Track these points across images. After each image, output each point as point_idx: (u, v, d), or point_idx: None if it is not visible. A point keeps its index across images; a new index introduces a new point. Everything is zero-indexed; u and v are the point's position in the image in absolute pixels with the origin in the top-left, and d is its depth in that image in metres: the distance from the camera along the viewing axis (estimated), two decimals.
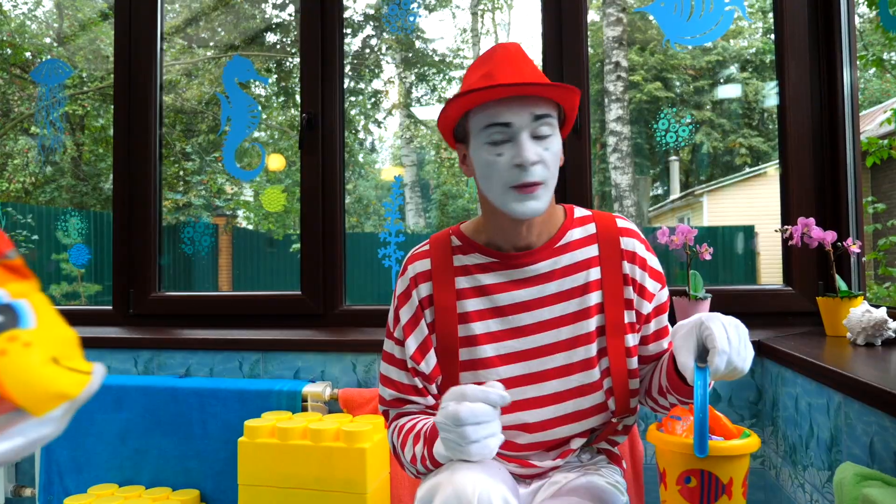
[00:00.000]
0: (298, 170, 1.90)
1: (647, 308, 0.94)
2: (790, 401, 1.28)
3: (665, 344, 0.98)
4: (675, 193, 9.86)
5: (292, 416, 1.49)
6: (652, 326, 0.96)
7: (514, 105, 0.85)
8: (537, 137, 0.86)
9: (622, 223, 0.96)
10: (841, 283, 1.43)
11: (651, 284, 0.95)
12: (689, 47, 1.63)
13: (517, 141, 0.85)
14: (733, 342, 0.75)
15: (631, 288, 0.93)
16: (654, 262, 0.96)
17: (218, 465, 1.58)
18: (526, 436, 0.92)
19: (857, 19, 1.57)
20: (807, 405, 1.19)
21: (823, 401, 1.10)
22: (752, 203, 8.81)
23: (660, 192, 10.20)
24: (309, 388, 1.56)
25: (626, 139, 6.38)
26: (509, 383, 0.90)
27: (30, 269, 0.41)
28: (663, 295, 0.97)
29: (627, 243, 0.95)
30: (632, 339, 0.93)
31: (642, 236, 0.96)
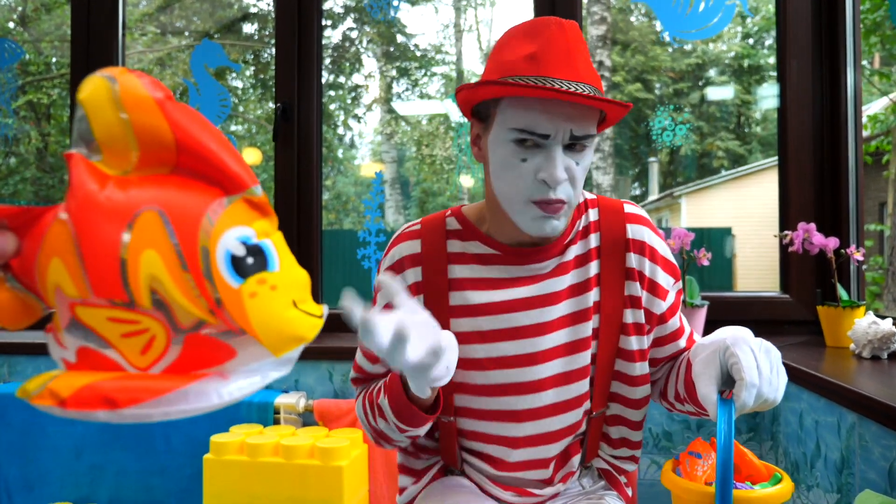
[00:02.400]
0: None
1: (661, 307, 0.83)
2: (793, 416, 1.22)
3: (682, 343, 0.87)
4: (654, 195, 9.90)
5: (263, 430, 1.39)
6: (668, 327, 0.85)
7: (556, 114, 0.72)
8: (571, 148, 0.74)
9: (630, 209, 0.85)
10: (842, 292, 1.38)
11: (664, 279, 0.83)
12: (685, 41, 1.57)
13: (549, 154, 0.73)
14: (764, 371, 0.65)
15: (638, 284, 0.82)
16: (666, 252, 0.85)
17: (183, 482, 1.46)
18: (514, 453, 0.82)
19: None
20: (813, 422, 1.12)
21: (833, 419, 1.04)
22: (730, 205, 8.89)
23: (637, 192, 10.23)
24: (281, 399, 1.46)
25: (608, 139, 6.36)
26: (499, 391, 0.80)
27: (270, 206, 0.40)
28: (677, 289, 0.86)
29: (634, 231, 0.83)
30: (636, 342, 0.82)
31: (653, 224, 0.85)
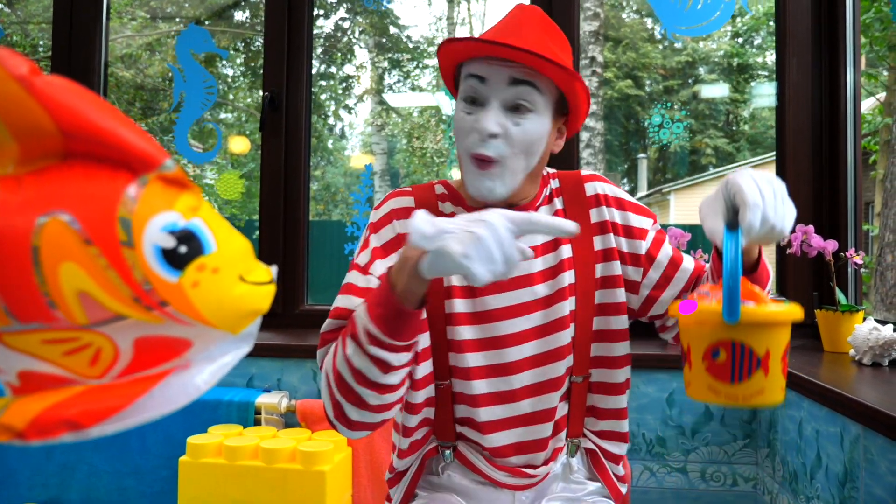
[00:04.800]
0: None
1: (643, 247, 0.85)
2: (792, 424, 1.19)
3: (689, 266, 0.87)
4: (643, 191, 9.91)
5: (243, 432, 1.33)
6: (661, 260, 0.86)
7: (496, 64, 0.78)
8: (513, 109, 0.78)
9: (585, 171, 0.90)
10: (840, 296, 1.35)
11: (639, 221, 0.87)
12: (688, 37, 1.53)
13: (485, 107, 0.79)
14: (767, 196, 0.62)
15: (612, 235, 0.85)
16: (633, 199, 0.89)
17: (158, 484, 1.41)
18: (503, 409, 0.83)
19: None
20: (814, 431, 1.09)
21: (836, 430, 1.01)
22: None
23: (627, 188, 10.26)
24: (263, 399, 1.40)
25: (598, 135, 6.33)
26: (485, 345, 0.82)
27: (188, 177, 0.36)
28: (657, 228, 0.88)
29: (595, 187, 0.88)
30: (619, 294, 0.85)
31: (613, 181, 0.89)
